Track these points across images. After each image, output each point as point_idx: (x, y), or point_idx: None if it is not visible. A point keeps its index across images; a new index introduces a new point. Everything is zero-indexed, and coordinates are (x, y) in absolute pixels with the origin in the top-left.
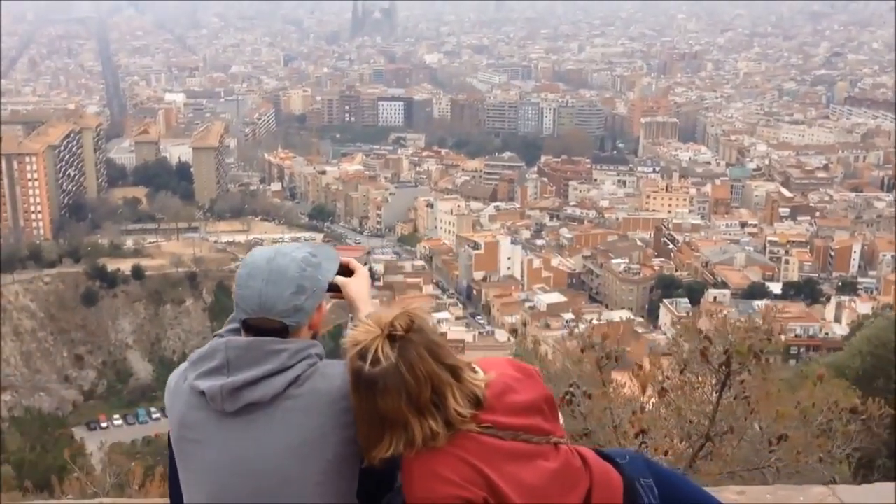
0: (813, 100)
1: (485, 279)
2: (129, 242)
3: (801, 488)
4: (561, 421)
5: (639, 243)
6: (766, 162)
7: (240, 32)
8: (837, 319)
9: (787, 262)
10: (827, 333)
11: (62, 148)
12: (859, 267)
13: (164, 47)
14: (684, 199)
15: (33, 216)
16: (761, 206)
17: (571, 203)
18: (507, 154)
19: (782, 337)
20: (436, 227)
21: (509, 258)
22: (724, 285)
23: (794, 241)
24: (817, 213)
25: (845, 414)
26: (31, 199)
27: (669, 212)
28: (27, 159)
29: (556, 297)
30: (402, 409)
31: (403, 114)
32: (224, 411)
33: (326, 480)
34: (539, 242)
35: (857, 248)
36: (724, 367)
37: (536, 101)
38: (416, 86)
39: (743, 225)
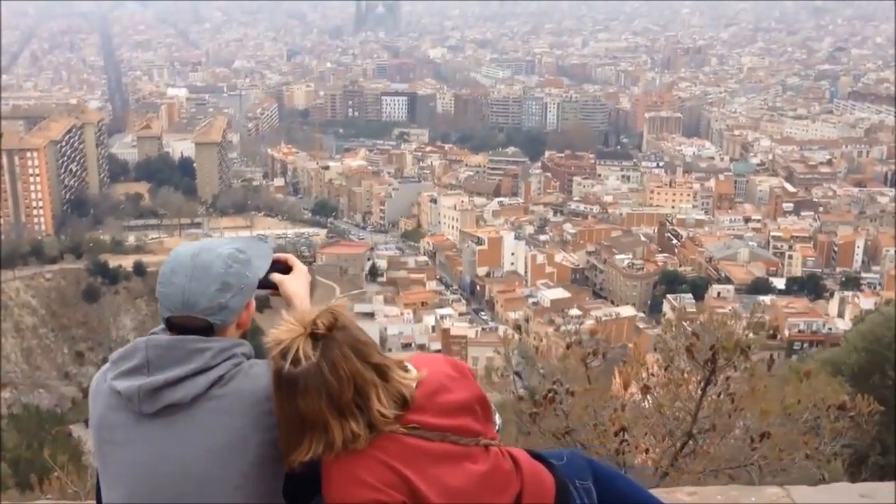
0: (816, 95)
1: (488, 275)
2: (131, 238)
3: (754, 489)
4: (499, 421)
5: (642, 239)
6: (770, 157)
7: (243, 27)
8: (841, 315)
9: (790, 257)
10: (830, 329)
11: (64, 143)
12: (863, 262)
13: (167, 42)
14: (688, 195)
15: (35, 212)
16: (765, 201)
17: (575, 198)
18: (510, 149)
19: (780, 332)
20: (439, 223)
21: (513, 254)
22: (727, 281)
23: (797, 237)
24: (821, 209)
25: (833, 411)
26: (33, 195)
27: (673, 207)
28: (28, 154)
29: (560, 293)
30: (322, 410)
31: (407, 109)
32: (142, 413)
33: (247, 483)
34: (542, 238)
35: (860, 243)
36: (708, 364)
37: (540, 95)
38: (420, 81)
39: (746, 220)
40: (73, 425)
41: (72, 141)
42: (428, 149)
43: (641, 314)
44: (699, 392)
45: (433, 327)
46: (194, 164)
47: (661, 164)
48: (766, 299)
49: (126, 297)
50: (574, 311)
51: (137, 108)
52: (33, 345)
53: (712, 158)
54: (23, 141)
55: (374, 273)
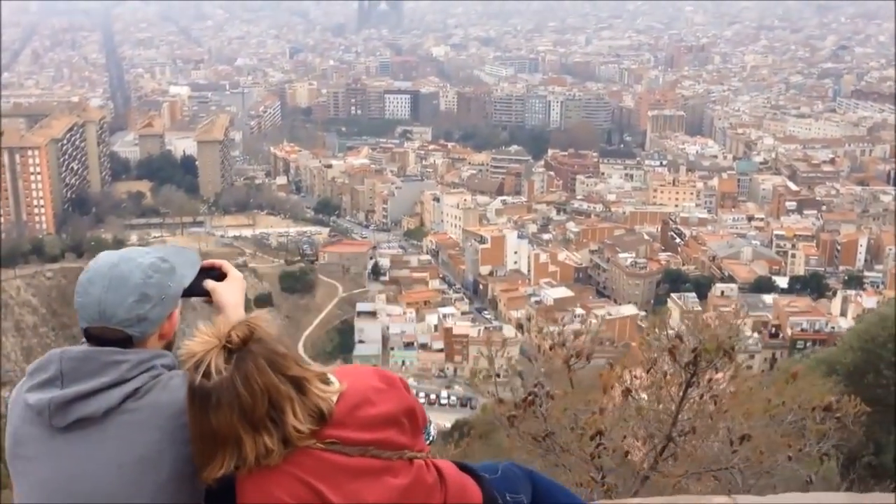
0: (819, 93)
1: (491, 274)
2: (133, 237)
3: (702, 497)
4: (433, 433)
5: (646, 237)
6: (773, 155)
7: (245, 24)
8: (843, 313)
9: (793, 255)
10: (833, 328)
11: (65, 141)
12: (865, 261)
13: (169, 39)
14: (691, 193)
15: (36, 210)
16: (768, 199)
17: (578, 197)
18: (513, 147)
19: (782, 331)
20: (442, 221)
21: (516, 252)
22: (730, 279)
23: (800, 235)
24: (823, 207)
25: (819, 412)
26: (34, 193)
27: (676, 205)
28: (30, 153)
29: (563, 292)
30: (234, 424)
31: (410, 107)
32: (54, 427)
33: (162, 500)
34: (546, 237)
35: (863, 241)
36: (690, 366)
37: (543, 94)
38: (423, 79)
39: (749, 219)
40: None
41: (73, 139)
42: (431, 147)
43: (644, 313)
44: (680, 394)
45: (436, 326)
46: (196, 163)
47: (664, 162)
48: (769, 298)
49: None
50: (578, 310)
51: (139, 106)
52: (34, 344)
53: (715, 157)
54: (24, 139)
55: (376, 272)
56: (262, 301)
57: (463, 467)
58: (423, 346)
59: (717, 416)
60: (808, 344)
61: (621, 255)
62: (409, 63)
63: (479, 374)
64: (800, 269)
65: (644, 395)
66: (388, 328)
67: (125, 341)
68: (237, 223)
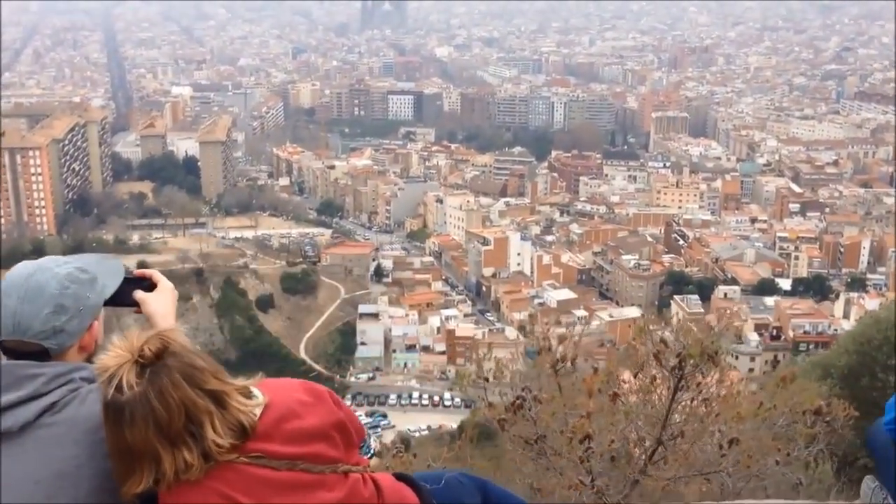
0: (823, 95)
1: (494, 275)
2: (135, 238)
3: None
4: (373, 445)
5: (649, 239)
6: (776, 157)
7: (247, 24)
8: (846, 316)
9: (796, 258)
10: (836, 330)
11: (67, 142)
12: (868, 263)
13: (171, 39)
14: (694, 195)
15: (37, 211)
16: (771, 201)
17: (582, 198)
18: (517, 149)
19: (784, 333)
20: (445, 223)
21: (519, 254)
22: (733, 281)
23: (803, 237)
24: (827, 209)
25: (809, 416)
26: (35, 194)
27: (680, 207)
28: (31, 153)
29: (566, 294)
30: (150, 439)
31: (413, 108)
32: None
33: None
34: (549, 238)
35: (866, 244)
36: (676, 371)
37: (547, 95)
38: (426, 79)
39: (753, 221)
40: None
41: (75, 139)
42: (434, 148)
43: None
44: (668, 398)
45: (438, 328)
46: (198, 163)
47: (667, 164)
48: (770, 300)
49: None
50: (580, 312)
51: (141, 107)
52: None
53: (719, 158)
54: (25, 139)
55: (379, 273)
56: (264, 302)
57: (403, 478)
58: (426, 349)
59: (707, 420)
60: (810, 346)
61: (624, 257)
62: (413, 64)
63: (466, 378)
64: (803, 272)
65: (633, 399)
66: (390, 330)
67: (42, 354)
68: (239, 224)
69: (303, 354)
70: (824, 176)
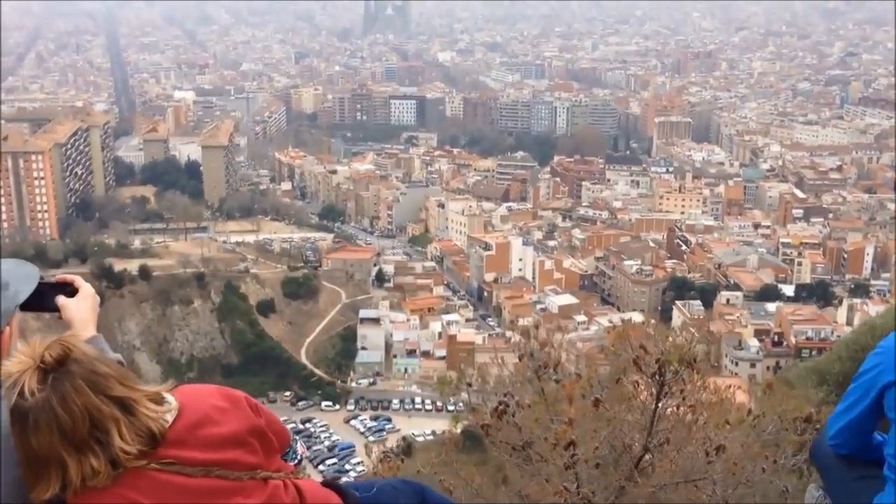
0: (827, 100)
1: (496, 280)
2: (137, 242)
3: None
4: (301, 451)
5: (651, 244)
6: (780, 163)
7: (250, 29)
8: (849, 322)
9: (799, 263)
10: (838, 336)
11: (69, 146)
12: (872, 269)
13: (174, 43)
14: (697, 200)
15: (39, 215)
16: (774, 207)
17: (584, 203)
18: (519, 153)
19: (785, 339)
20: (447, 228)
21: (521, 259)
22: (736, 287)
23: (806, 243)
24: (830, 215)
25: (799, 423)
26: (38, 198)
27: (682, 213)
28: (34, 157)
29: (568, 299)
30: (55, 445)
31: (416, 112)
32: None
33: None
34: (551, 243)
35: (869, 249)
36: (657, 377)
37: (550, 99)
38: (429, 84)
39: (756, 226)
40: None
41: (77, 143)
42: (436, 153)
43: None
44: (653, 405)
45: (440, 333)
46: (201, 168)
47: (670, 169)
48: (772, 306)
49: (131, 301)
50: (581, 318)
51: (144, 111)
52: None
53: (722, 164)
54: (28, 143)
55: (380, 278)
56: (265, 307)
57: (330, 486)
58: (426, 354)
59: (694, 427)
60: (812, 352)
61: (627, 263)
62: (415, 68)
63: (448, 384)
64: (806, 278)
65: (615, 406)
66: (391, 335)
67: None
68: (241, 229)
69: (304, 359)
70: (828, 181)
